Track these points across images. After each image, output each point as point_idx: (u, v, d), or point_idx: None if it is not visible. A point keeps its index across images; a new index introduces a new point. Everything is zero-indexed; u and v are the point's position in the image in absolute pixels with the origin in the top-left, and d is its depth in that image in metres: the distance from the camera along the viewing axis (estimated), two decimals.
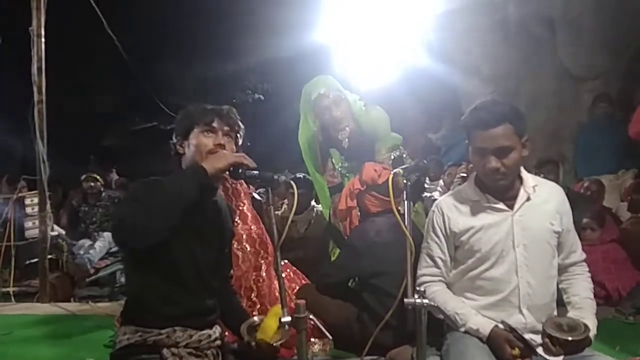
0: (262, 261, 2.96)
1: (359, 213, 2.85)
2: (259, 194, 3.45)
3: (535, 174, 4.34)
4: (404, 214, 1.92)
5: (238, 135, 1.86)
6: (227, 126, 1.80)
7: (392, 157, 3.11)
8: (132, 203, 1.56)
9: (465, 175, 5.00)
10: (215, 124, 1.77)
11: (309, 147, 3.42)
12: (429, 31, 5.63)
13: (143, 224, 1.47)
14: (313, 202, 4.17)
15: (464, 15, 5.63)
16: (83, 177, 5.47)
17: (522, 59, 5.93)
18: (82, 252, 5.03)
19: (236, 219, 2.93)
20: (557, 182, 4.37)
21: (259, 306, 2.81)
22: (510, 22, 5.94)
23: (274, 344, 1.67)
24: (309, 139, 3.41)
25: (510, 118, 1.77)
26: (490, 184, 1.85)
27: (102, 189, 5.53)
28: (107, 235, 5.15)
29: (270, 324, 1.65)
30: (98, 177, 5.52)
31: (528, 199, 1.84)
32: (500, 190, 1.85)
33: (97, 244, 5.14)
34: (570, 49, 5.72)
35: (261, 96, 12.74)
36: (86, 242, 5.23)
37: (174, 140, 1.83)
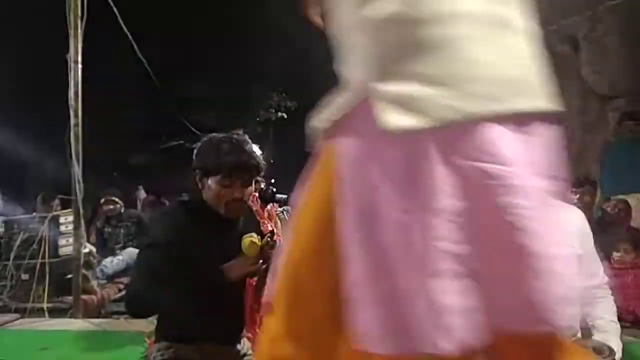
0: None
1: None
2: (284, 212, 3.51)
3: (572, 194, 4.30)
4: None
5: (257, 178, 1.92)
6: (246, 176, 1.82)
7: None
8: (145, 284, 1.68)
9: None
10: (233, 178, 1.78)
11: None
12: None
13: (156, 307, 1.74)
14: None
15: None
16: (102, 200, 5.43)
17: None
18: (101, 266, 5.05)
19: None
20: (593, 203, 4.34)
21: None
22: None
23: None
24: None
25: None
26: None
27: (121, 210, 5.49)
28: (128, 251, 5.14)
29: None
30: (116, 199, 5.47)
31: None
32: None
33: (117, 258, 5.13)
34: (595, 67, 5.69)
35: (284, 114, 12.94)
36: (112, 259, 5.28)
37: (195, 171, 1.86)
